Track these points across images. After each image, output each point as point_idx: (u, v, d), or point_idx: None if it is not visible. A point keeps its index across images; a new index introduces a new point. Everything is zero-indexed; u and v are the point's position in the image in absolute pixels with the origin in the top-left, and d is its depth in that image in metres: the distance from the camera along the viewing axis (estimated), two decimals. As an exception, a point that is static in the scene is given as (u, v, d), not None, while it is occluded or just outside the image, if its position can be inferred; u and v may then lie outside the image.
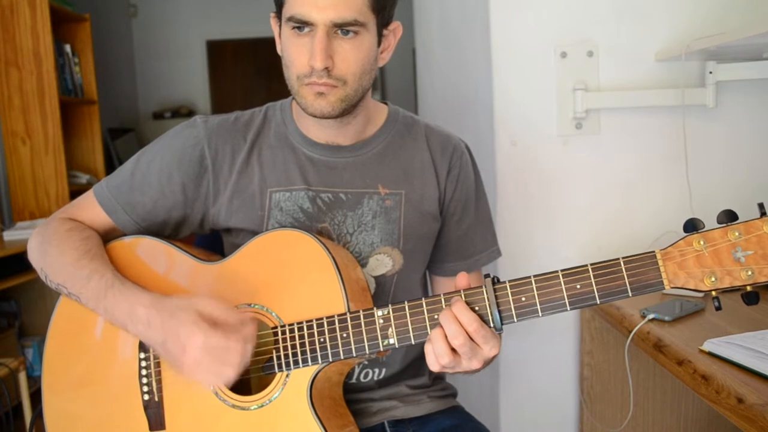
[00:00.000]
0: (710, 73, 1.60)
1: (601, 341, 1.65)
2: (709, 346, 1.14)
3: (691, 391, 1.14)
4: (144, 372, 1.02)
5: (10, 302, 2.87)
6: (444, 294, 0.91)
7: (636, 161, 1.70)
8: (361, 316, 0.94)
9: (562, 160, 1.69)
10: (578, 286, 0.85)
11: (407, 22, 1.68)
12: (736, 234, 0.80)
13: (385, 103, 1.18)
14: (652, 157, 1.70)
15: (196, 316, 0.91)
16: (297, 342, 0.96)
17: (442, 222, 1.17)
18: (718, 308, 0.83)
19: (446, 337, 0.87)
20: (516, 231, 1.71)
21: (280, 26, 1.03)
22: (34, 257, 1.08)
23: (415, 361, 1.18)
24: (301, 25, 0.97)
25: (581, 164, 1.70)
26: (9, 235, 2.79)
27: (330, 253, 0.98)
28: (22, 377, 2.20)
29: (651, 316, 1.33)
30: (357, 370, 1.13)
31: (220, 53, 6.06)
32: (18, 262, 2.45)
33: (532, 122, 1.69)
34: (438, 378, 1.24)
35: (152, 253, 1.07)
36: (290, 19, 0.98)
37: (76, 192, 3.05)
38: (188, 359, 0.90)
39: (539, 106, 1.68)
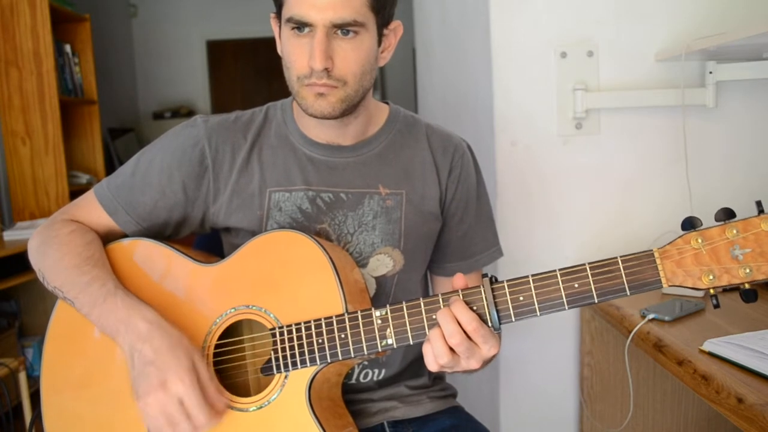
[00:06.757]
0: (710, 73, 1.60)
1: (601, 341, 1.65)
2: (709, 346, 1.14)
3: (691, 391, 1.14)
4: (143, 373, 1.02)
5: (10, 302, 2.87)
6: (442, 294, 0.90)
7: (636, 161, 1.70)
8: (359, 317, 0.93)
9: (563, 160, 1.69)
10: (576, 285, 0.85)
11: (407, 22, 1.68)
12: (734, 232, 0.80)
13: (387, 103, 1.18)
14: (652, 157, 1.69)
15: (192, 365, 0.91)
16: (295, 343, 0.96)
17: (443, 222, 1.17)
18: (716, 306, 0.83)
19: (444, 336, 0.87)
20: (516, 231, 1.71)
21: (280, 27, 1.03)
22: (33, 258, 1.08)
23: (415, 361, 1.18)
24: (301, 25, 0.97)
25: (581, 164, 1.69)
26: (9, 235, 2.79)
27: (328, 254, 0.97)
28: (22, 377, 2.20)
29: (651, 316, 1.33)
30: (356, 371, 1.12)
31: (220, 53, 6.07)
32: (18, 262, 2.45)
33: (532, 122, 1.68)
34: (438, 378, 1.24)
35: (151, 256, 1.06)
36: (289, 20, 0.97)
37: (76, 192, 3.06)
38: (156, 397, 0.89)
39: (539, 106, 1.68)
